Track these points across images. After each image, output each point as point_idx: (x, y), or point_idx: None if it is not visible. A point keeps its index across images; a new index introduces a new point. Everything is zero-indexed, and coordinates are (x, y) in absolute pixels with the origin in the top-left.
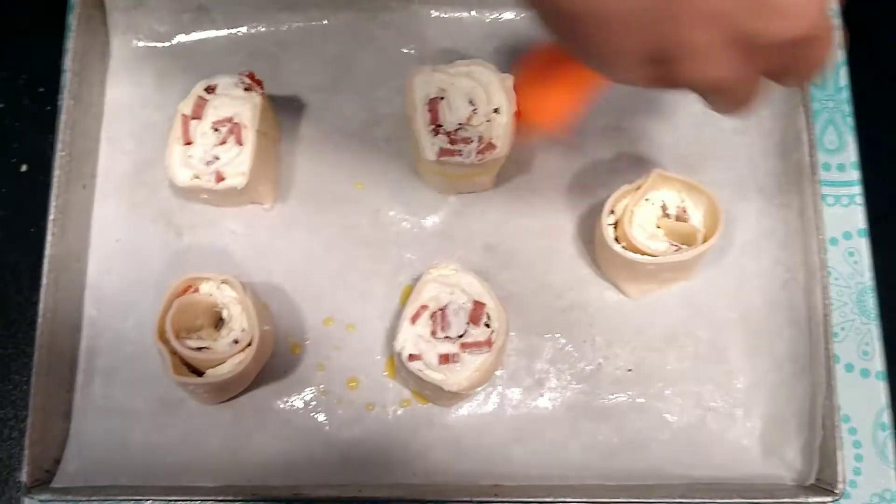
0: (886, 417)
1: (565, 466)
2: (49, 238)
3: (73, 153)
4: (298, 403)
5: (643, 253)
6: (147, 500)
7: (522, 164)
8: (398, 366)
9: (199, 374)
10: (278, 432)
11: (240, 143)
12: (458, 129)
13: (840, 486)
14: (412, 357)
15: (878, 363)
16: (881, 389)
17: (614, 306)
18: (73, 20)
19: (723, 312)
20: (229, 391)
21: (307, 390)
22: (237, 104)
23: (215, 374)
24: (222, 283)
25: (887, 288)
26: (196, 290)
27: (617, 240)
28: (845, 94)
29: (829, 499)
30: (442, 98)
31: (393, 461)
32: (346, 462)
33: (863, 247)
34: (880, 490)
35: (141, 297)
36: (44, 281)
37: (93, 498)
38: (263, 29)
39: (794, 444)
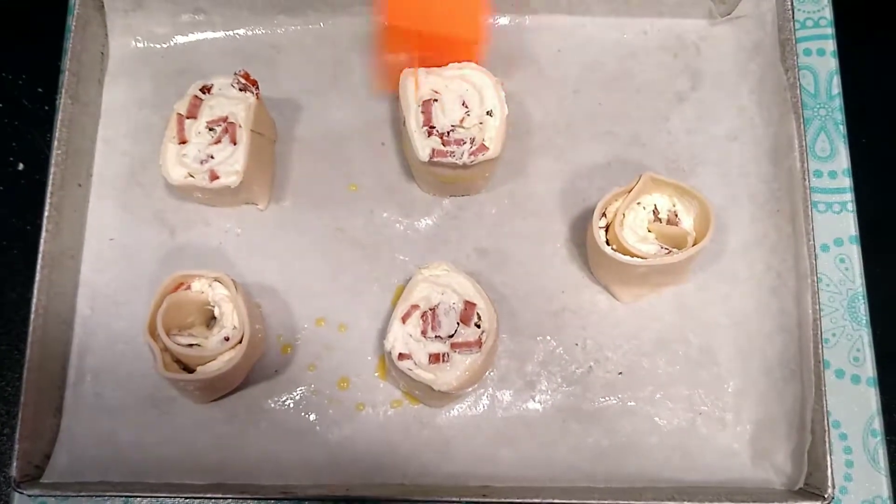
0: (877, 424)
1: (554, 468)
2: (44, 235)
3: (69, 152)
4: (289, 403)
5: (633, 256)
6: (136, 496)
7: (515, 167)
8: (389, 365)
9: (190, 371)
10: (268, 431)
11: (234, 142)
12: (451, 130)
13: (829, 490)
14: (402, 356)
15: (868, 369)
16: (872, 396)
17: (606, 310)
18: (72, 22)
19: (714, 317)
20: (220, 389)
21: (298, 390)
22: (232, 104)
23: (205, 370)
24: (214, 280)
25: (878, 294)
26: (188, 288)
27: (608, 243)
28: (838, 102)
29: None
30: (435, 100)
31: (383, 461)
32: (335, 462)
33: (854, 253)
34: (871, 497)
35: (134, 296)
36: (37, 278)
37: (81, 493)
38: (260, 32)
39: (784, 449)
